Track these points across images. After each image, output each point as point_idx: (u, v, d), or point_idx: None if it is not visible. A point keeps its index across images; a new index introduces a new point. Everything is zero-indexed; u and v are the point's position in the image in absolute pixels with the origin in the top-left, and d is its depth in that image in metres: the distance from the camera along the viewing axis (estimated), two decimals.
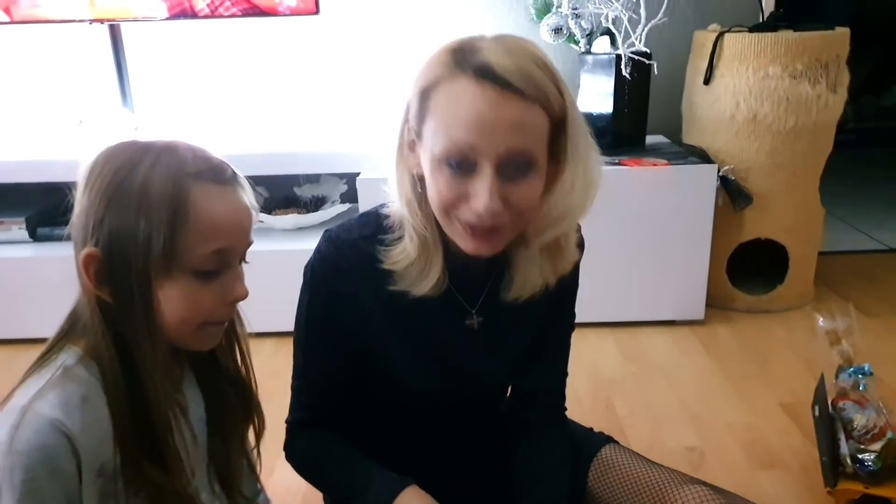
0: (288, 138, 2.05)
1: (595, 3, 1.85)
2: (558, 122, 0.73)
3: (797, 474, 1.30)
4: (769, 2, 2.11)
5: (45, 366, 0.66)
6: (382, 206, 0.84)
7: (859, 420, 1.14)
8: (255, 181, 0.86)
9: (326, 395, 0.90)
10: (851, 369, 1.20)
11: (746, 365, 1.72)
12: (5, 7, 1.91)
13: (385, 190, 0.82)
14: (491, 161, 0.70)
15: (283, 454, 0.91)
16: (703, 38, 1.90)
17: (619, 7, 1.80)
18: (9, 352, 1.87)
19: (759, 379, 1.65)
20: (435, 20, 2.11)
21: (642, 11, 1.78)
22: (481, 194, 0.70)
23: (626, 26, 1.81)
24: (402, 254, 0.80)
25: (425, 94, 0.72)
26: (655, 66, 1.83)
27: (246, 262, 0.73)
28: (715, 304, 1.99)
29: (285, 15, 1.93)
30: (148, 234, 0.64)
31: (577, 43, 1.94)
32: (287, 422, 0.92)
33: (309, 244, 0.87)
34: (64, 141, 2.04)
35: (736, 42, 1.81)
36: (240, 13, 1.92)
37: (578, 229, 0.90)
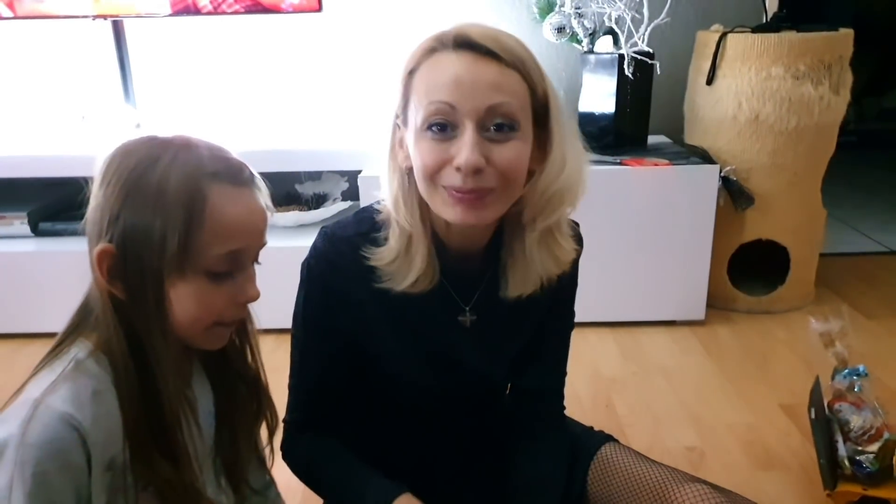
0: (290, 135, 2.06)
1: (598, 3, 1.85)
2: (541, 100, 0.76)
3: (797, 475, 1.30)
4: (772, 2, 2.10)
5: (57, 359, 0.66)
6: (378, 203, 0.85)
7: (856, 421, 1.14)
8: None
9: (322, 393, 0.90)
10: (846, 371, 1.20)
11: (747, 365, 1.72)
12: (9, 2, 1.91)
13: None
14: (471, 119, 0.72)
15: (279, 453, 0.91)
16: (706, 39, 1.90)
17: (622, 6, 1.80)
18: (11, 346, 1.87)
19: (760, 379, 1.65)
20: (437, 19, 2.11)
21: (645, 11, 1.78)
22: (463, 149, 0.72)
23: (628, 26, 1.81)
24: (386, 250, 0.81)
25: (408, 78, 0.75)
26: (658, 65, 1.83)
27: (258, 262, 0.73)
28: (715, 304, 1.99)
29: (288, 12, 1.93)
30: (163, 232, 0.64)
31: (579, 42, 1.94)
32: (284, 421, 0.92)
33: (310, 241, 0.87)
34: (66, 136, 2.04)
35: (738, 42, 1.81)
36: (243, 10, 1.92)
37: (576, 226, 0.90)
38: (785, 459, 1.35)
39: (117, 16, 1.96)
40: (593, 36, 1.92)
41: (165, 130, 0.69)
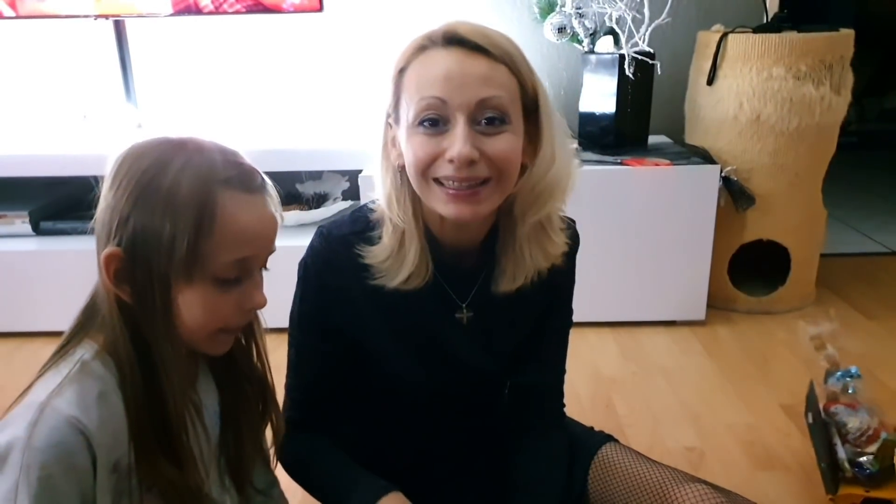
0: (290, 135, 2.06)
1: (599, 3, 1.85)
2: (530, 95, 0.76)
3: (797, 475, 1.30)
4: (773, 3, 2.10)
5: (63, 360, 0.65)
6: (373, 202, 0.85)
7: (853, 423, 1.14)
8: None
9: (318, 392, 0.90)
10: (839, 373, 1.20)
11: (747, 366, 1.72)
12: (11, 2, 1.91)
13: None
14: (463, 112, 0.73)
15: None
16: (707, 39, 1.90)
17: (623, 7, 1.80)
18: (11, 344, 1.88)
19: (760, 380, 1.65)
20: (438, 19, 2.11)
21: (646, 11, 1.78)
22: (456, 142, 0.73)
23: (629, 26, 1.81)
24: (379, 247, 0.82)
25: (399, 76, 0.76)
26: (659, 66, 1.83)
27: (266, 269, 0.72)
28: (716, 304, 1.99)
29: (289, 12, 1.94)
30: (172, 237, 0.63)
31: (580, 42, 1.94)
32: None
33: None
34: (68, 136, 2.05)
35: (739, 43, 1.81)
36: (244, 10, 1.92)
37: (573, 223, 0.91)
38: (785, 460, 1.35)
39: (119, 15, 1.96)
40: (594, 36, 1.92)
41: (177, 131, 0.68)
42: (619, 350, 1.81)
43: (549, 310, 0.93)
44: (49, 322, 1.86)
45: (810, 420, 1.21)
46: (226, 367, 0.77)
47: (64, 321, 0.69)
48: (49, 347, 0.67)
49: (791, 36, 1.78)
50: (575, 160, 0.82)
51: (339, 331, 0.87)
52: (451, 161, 0.73)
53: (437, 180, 0.76)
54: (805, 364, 1.69)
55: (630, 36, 1.82)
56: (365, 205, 0.87)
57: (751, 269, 2.01)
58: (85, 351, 0.65)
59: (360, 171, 1.83)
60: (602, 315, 1.90)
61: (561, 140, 0.80)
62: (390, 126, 0.80)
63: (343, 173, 2.06)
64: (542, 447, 0.94)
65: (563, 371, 0.99)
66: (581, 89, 1.96)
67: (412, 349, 0.89)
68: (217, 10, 1.92)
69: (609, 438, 1.01)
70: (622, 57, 1.82)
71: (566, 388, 1.00)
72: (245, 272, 0.69)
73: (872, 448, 1.13)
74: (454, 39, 0.74)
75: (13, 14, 1.92)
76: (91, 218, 0.67)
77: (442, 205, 0.76)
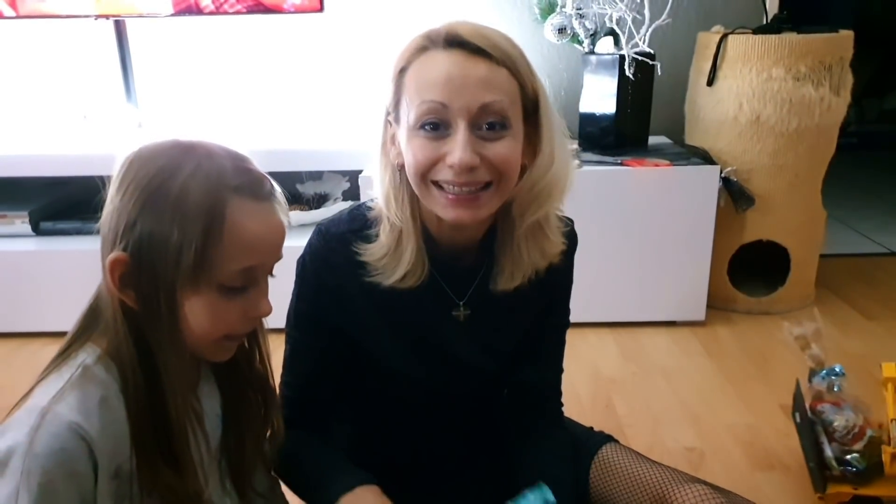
0: (291, 135, 2.06)
1: (599, 4, 1.85)
2: (531, 96, 0.76)
3: (796, 475, 1.30)
4: (773, 4, 2.11)
5: (65, 363, 0.65)
6: (371, 200, 0.85)
7: (839, 421, 1.15)
8: None
9: (311, 391, 0.90)
10: (824, 372, 1.21)
11: (747, 366, 1.72)
12: (11, 2, 1.91)
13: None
14: (464, 117, 0.72)
15: None
16: (707, 40, 1.90)
17: (623, 8, 1.80)
18: (11, 345, 1.88)
19: (760, 380, 1.65)
20: (439, 19, 2.11)
21: (646, 12, 1.78)
22: (456, 148, 0.72)
23: (629, 27, 1.81)
24: (376, 245, 0.82)
25: (399, 76, 0.76)
26: (659, 66, 1.83)
27: (272, 276, 0.72)
28: (716, 305, 1.99)
29: (290, 12, 1.94)
30: (179, 244, 0.62)
31: (580, 43, 1.94)
32: None
33: None
34: (68, 136, 2.05)
35: (739, 44, 1.81)
36: (244, 10, 1.92)
37: (571, 223, 0.91)
38: (784, 460, 1.35)
39: (119, 15, 1.96)
40: (594, 37, 1.92)
41: (185, 134, 0.67)
42: (619, 350, 1.81)
43: (547, 308, 0.94)
44: (49, 322, 1.86)
45: (798, 420, 1.22)
46: (228, 370, 0.76)
47: (64, 321, 0.69)
48: (49, 348, 0.67)
49: (791, 37, 1.78)
50: (573, 161, 0.83)
51: (335, 329, 0.87)
52: (451, 167, 0.73)
53: (436, 183, 0.76)
54: (805, 364, 1.69)
55: (630, 37, 1.82)
56: (363, 203, 0.87)
57: (750, 269, 2.02)
58: (87, 355, 0.65)
59: (360, 172, 1.83)
60: (602, 315, 1.90)
61: (560, 141, 0.80)
62: (390, 124, 0.80)
63: (343, 173, 2.06)
64: (547, 446, 0.94)
65: (561, 370, 0.99)
66: (581, 90, 1.96)
67: (410, 347, 0.89)
68: (217, 11, 1.92)
69: (609, 439, 1.01)
70: (622, 58, 1.82)
71: (566, 388, 1.00)
72: (251, 280, 0.68)
73: (859, 446, 1.14)
74: (455, 41, 0.73)
75: (13, 14, 1.92)
76: (92, 218, 0.66)
77: (441, 208, 0.76)
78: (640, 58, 1.81)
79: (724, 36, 1.84)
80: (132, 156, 0.65)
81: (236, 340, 0.72)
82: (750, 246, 1.95)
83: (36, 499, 0.57)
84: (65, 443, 0.59)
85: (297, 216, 1.94)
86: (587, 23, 1.90)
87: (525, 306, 0.90)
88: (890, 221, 2.74)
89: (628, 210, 1.82)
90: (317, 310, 0.87)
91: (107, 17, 1.95)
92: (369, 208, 0.85)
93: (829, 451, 1.14)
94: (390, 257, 0.81)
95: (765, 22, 1.91)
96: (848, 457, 1.13)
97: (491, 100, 0.73)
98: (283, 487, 0.89)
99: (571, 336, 0.99)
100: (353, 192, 2.03)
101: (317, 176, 2.09)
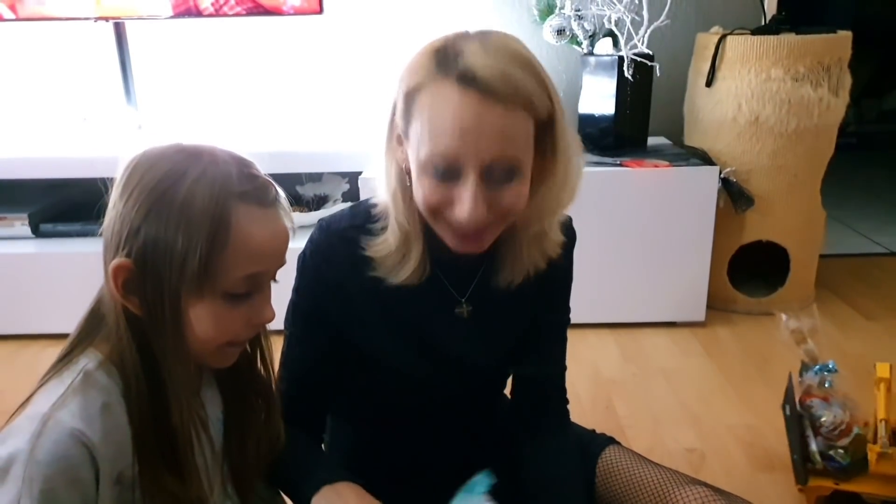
0: (291, 137, 2.06)
1: (598, 5, 1.85)
2: (545, 121, 0.73)
3: None
4: (771, 4, 2.11)
5: (67, 369, 0.64)
6: (374, 197, 0.85)
7: (827, 417, 1.16)
8: None
9: (305, 390, 0.90)
10: (817, 367, 1.22)
11: (747, 367, 1.72)
12: (11, 4, 1.91)
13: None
14: (475, 169, 0.70)
15: None
16: (706, 41, 1.90)
17: (622, 9, 1.80)
18: (11, 347, 1.88)
19: (760, 381, 1.65)
20: (438, 20, 2.11)
21: (645, 13, 1.78)
22: (466, 201, 0.71)
23: (628, 28, 1.82)
24: (383, 243, 0.81)
25: (410, 97, 0.72)
26: (658, 67, 1.84)
27: (276, 281, 0.71)
28: (716, 305, 1.99)
29: (289, 14, 1.94)
30: (185, 251, 0.61)
31: (579, 44, 1.94)
32: None
33: None
34: (68, 138, 2.05)
35: (738, 44, 1.82)
36: (244, 12, 1.93)
37: (569, 220, 0.91)
38: (785, 461, 1.35)
39: (119, 18, 1.96)
40: (593, 38, 1.93)
41: (190, 139, 0.66)
42: (620, 351, 1.81)
43: (548, 304, 0.93)
44: (49, 325, 1.86)
45: (787, 412, 1.23)
46: (230, 375, 0.76)
47: (64, 324, 0.68)
48: (50, 350, 0.67)
49: (789, 38, 1.78)
50: (582, 171, 0.80)
51: (334, 325, 0.87)
52: (459, 220, 0.72)
53: (444, 217, 0.75)
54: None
55: (629, 38, 1.82)
56: (366, 199, 0.86)
57: (750, 270, 2.02)
58: (88, 360, 0.64)
59: (360, 173, 1.83)
60: (602, 316, 1.90)
61: (572, 156, 0.77)
62: (397, 127, 0.78)
63: (343, 175, 2.06)
64: (554, 445, 0.94)
65: (564, 368, 0.98)
66: (580, 91, 1.96)
67: (411, 344, 0.89)
68: (217, 13, 1.93)
69: (611, 441, 1.01)
70: (621, 59, 1.82)
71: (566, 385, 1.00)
72: (256, 286, 0.68)
73: (844, 442, 1.15)
74: (471, 80, 0.68)
75: (13, 16, 1.93)
76: (92, 220, 0.66)
77: (448, 238, 0.77)
78: (638, 59, 1.82)
79: (723, 37, 1.84)
80: (136, 160, 0.64)
81: (239, 346, 0.71)
82: (749, 246, 1.95)
83: None
84: (66, 450, 0.58)
85: (297, 218, 1.91)
86: (586, 24, 1.90)
87: (526, 302, 0.90)
88: (889, 221, 2.75)
89: (628, 211, 1.82)
90: (316, 305, 0.86)
91: (106, 19, 1.95)
92: (373, 204, 0.84)
93: (814, 445, 1.16)
94: (397, 259, 0.81)
95: (763, 23, 1.92)
96: (832, 452, 1.15)
97: (504, 152, 0.70)
98: None
99: (571, 337, 0.99)
100: (352, 194, 2.03)
101: (316, 177, 2.09)
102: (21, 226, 1.95)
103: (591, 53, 1.93)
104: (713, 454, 1.38)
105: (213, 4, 1.91)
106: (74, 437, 0.59)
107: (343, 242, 0.83)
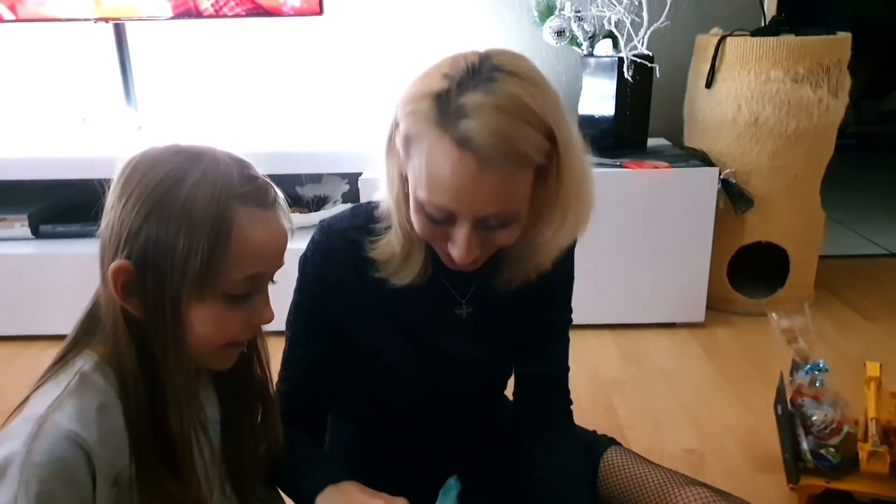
0: (290, 138, 2.06)
1: (598, 6, 1.86)
2: (546, 164, 0.71)
3: None
4: (771, 6, 2.11)
5: (63, 370, 0.64)
6: (374, 199, 0.85)
7: (818, 415, 1.17)
8: None
9: (307, 387, 0.90)
10: (808, 366, 1.22)
11: (747, 368, 1.72)
12: (11, 5, 1.91)
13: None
14: (469, 220, 0.71)
15: None
16: (706, 42, 1.91)
17: (622, 10, 1.81)
18: (11, 348, 1.88)
19: (760, 382, 1.65)
20: (438, 22, 2.12)
21: (645, 15, 1.78)
22: (459, 245, 0.72)
23: (628, 29, 1.82)
24: (386, 245, 0.81)
25: (409, 140, 0.71)
26: (657, 69, 1.84)
27: (273, 282, 0.71)
28: (715, 306, 1.99)
29: (289, 15, 1.94)
30: (186, 252, 0.61)
31: (579, 46, 1.94)
32: None
33: None
34: (67, 139, 2.05)
35: (738, 46, 1.82)
36: (244, 13, 1.93)
37: None
38: None
39: (119, 19, 1.96)
40: (593, 39, 1.93)
41: (189, 140, 0.66)
42: (619, 352, 1.81)
43: (549, 304, 0.93)
44: (48, 326, 1.86)
45: (779, 411, 1.23)
46: (227, 377, 0.76)
47: (63, 325, 0.68)
48: (48, 351, 0.66)
49: (789, 39, 1.78)
50: (592, 198, 0.78)
51: (335, 325, 0.87)
52: (453, 256, 0.73)
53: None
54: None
55: (629, 39, 1.83)
56: (367, 201, 0.87)
57: (750, 271, 2.02)
58: (84, 362, 0.64)
59: (360, 174, 1.83)
60: (602, 317, 1.90)
61: (578, 188, 0.74)
62: (398, 133, 0.77)
63: (343, 176, 2.06)
64: (558, 443, 0.94)
65: (566, 367, 0.98)
66: (580, 92, 1.96)
67: (411, 344, 0.89)
68: (217, 14, 1.93)
69: (612, 442, 1.01)
70: (621, 60, 1.82)
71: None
72: (255, 287, 0.68)
73: (835, 441, 1.15)
74: (471, 146, 0.65)
75: (13, 17, 1.93)
76: (92, 221, 0.65)
77: (442, 256, 0.78)
78: (638, 60, 1.82)
79: (723, 38, 1.84)
80: (135, 161, 0.64)
81: (238, 347, 0.71)
82: (749, 247, 1.95)
83: None
84: (63, 452, 0.58)
85: (297, 219, 1.92)
86: (586, 25, 1.90)
87: (526, 303, 0.90)
88: (889, 223, 2.75)
89: (627, 212, 1.82)
90: (317, 305, 0.87)
91: (106, 20, 1.95)
92: (375, 206, 0.84)
93: (805, 444, 1.16)
94: (400, 261, 0.81)
95: (763, 24, 1.92)
96: (823, 451, 1.15)
97: (500, 209, 0.70)
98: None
99: (571, 338, 0.99)
100: (352, 195, 2.03)
101: (316, 178, 2.09)
102: (21, 227, 1.95)
103: (590, 55, 1.93)
104: (713, 455, 1.38)
105: (212, 5, 1.91)
106: (70, 438, 0.59)
107: (345, 242, 0.84)
